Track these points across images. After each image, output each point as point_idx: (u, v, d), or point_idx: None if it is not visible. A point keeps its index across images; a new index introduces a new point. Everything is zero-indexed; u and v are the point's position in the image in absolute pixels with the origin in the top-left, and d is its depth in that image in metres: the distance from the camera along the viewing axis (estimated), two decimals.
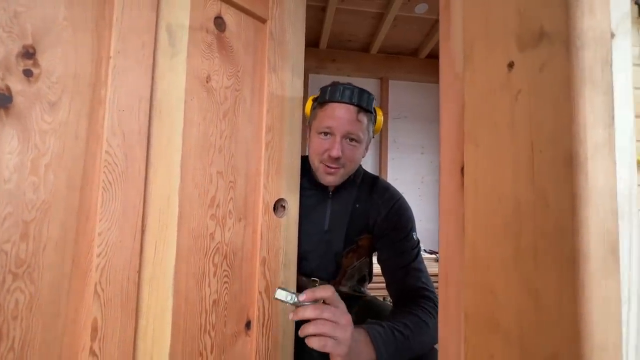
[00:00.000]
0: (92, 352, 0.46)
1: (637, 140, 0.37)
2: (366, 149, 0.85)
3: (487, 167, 0.33)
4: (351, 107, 0.77)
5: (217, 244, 0.61)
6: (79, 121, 0.47)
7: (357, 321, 0.83)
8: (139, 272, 0.51)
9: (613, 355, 0.28)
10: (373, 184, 0.90)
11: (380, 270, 0.86)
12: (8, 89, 0.42)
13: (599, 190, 0.29)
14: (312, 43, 2.51)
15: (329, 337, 0.53)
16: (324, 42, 2.51)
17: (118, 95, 0.49)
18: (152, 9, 0.53)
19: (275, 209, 0.72)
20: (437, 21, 2.23)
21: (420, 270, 0.79)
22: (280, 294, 0.55)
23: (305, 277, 0.88)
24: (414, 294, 0.75)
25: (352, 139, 0.78)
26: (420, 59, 2.73)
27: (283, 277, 0.73)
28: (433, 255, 2.34)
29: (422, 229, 2.47)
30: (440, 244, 0.39)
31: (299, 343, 0.57)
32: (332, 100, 0.78)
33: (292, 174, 0.77)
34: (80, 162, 0.46)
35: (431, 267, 1.24)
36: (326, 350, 0.53)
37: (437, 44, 2.39)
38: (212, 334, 0.60)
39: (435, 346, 0.69)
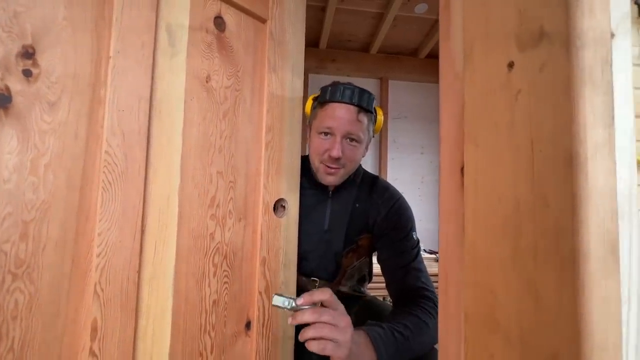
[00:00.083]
0: (92, 352, 0.46)
1: (637, 140, 0.37)
2: (366, 148, 0.85)
3: (487, 167, 0.33)
4: (351, 107, 0.77)
5: (217, 244, 0.61)
6: (79, 121, 0.46)
7: (357, 321, 0.83)
8: (139, 272, 0.51)
9: (613, 355, 0.28)
10: (373, 183, 0.90)
11: (380, 270, 0.86)
12: (7, 89, 0.42)
13: (599, 190, 0.29)
14: (312, 43, 2.51)
15: (329, 339, 0.53)
16: (323, 42, 2.51)
17: (118, 95, 0.49)
18: (151, 8, 0.53)
19: (275, 209, 0.72)
20: (437, 21, 2.23)
21: (420, 270, 0.79)
22: (277, 300, 0.55)
23: (305, 277, 0.88)
24: (413, 294, 0.75)
25: (352, 139, 0.78)
26: (420, 59, 2.73)
27: (283, 277, 0.73)
28: (433, 255, 2.34)
29: (422, 229, 2.46)
30: (440, 244, 0.39)
31: (300, 345, 0.57)
32: (332, 100, 0.78)
33: (292, 174, 0.77)
34: (80, 162, 0.46)
35: (431, 267, 1.24)
36: (326, 353, 0.53)
37: (437, 44, 2.39)
38: (212, 334, 0.60)
39: (436, 346, 0.69)
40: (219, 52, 0.63)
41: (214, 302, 0.60)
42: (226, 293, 0.63)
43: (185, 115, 0.57)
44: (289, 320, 0.55)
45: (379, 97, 2.69)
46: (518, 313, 0.30)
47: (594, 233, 0.28)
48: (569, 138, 0.29)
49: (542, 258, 0.30)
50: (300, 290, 0.80)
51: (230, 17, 0.65)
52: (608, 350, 0.28)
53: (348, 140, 0.78)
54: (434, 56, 2.67)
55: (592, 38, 0.30)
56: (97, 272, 0.47)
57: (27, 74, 0.43)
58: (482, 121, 0.34)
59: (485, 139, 0.34)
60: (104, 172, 0.48)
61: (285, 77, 0.75)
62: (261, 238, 0.69)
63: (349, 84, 0.80)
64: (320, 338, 0.53)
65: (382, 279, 0.84)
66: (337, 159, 0.77)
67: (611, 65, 0.30)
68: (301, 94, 0.79)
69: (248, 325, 0.66)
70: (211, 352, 0.60)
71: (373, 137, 0.87)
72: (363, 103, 0.77)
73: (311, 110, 0.85)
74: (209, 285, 0.60)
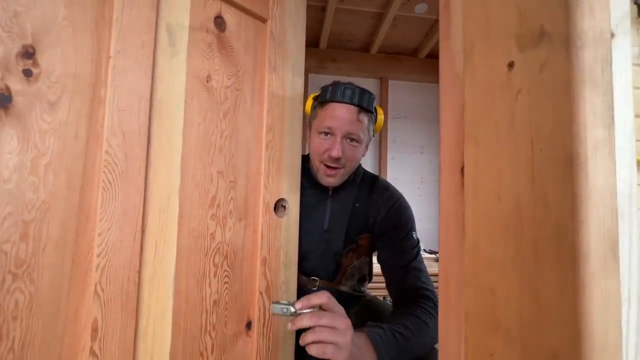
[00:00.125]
0: (93, 353, 0.46)
1: (637, 140, 0.37)
2: (366, 148, 0.85)
3: (487, 167, 0.33)
4: (352, 107, 0.77)
5: (217, 244, 0.61)
6: (79, 121, 0.47)
7: (358, 321, 0.83)
8: (139, 272, 0.51)
9: (613, 354, 0.28)
10: (373, 183, 0.90)
11: (380, 270, 0.86)
12: (8, 88, 0.42)
13: (599, 190, 0.29)
14: (312, 43, 2.51)
15: (329, 343, 0.53)
16: (323, 42, 2.51)
17: (118, 95, 0.49)
18: (151, 8, 0.53)
19: (275, 208, 0.72)
20: (436, 21, 2.23)
21: (420, 269, 0.79)
22: (276, 309, 0.55)
23: (305, 276, 0.88)
24: (413, 294, 0.75)
25: (352, 139, 0.78)
26: (420, 58, 2.73)
27: (284, 277, 0.73)
28: (433, 255, 2.34)
29: (422, 229, 2.46)
30: (440, 244, 0.39)
31: (300, 347, 0.57)
32: (333, 100, 0.78)
33: (293, 174, 0.77)
34: (80, 162, 0.46)
35: (431, 267, 1.24)
36: (326, 356, 0.53)
37: (436, 44, 2.39)
38: (213, 334, 0.60)
39: (436, 346, 0.69)
40: (220, 52, 0.63)
41: (215, 302, 0.61)
42: (227, 293, 0.63)
43: (186, 115, 0.57)
44: (289, 325, 0.55)
45: (378, 97, 2.69)
46: (518, 313, 0.30)
47: (594, 232, 0.28)
48: (569, 138, 0.29)
49: (542, 257, 0.30)
50: (300, 290, 0.80)
51: (231, 16, 0.65)
52: (608, 349, 0.28)
53: (348, 140, 0.78)
54: (433, 56, 2.67)
55: (592, 38, 0.30)
56: (98, 272, 0.47)
57: (27, 73, 0.43)
58: (482, 121, 0.34)
59: (486, 139, 0.34)
60: (104, 172, 0.48)
61: (285, 76, 0.75)
62: (262, 238, 0.69)
63: (350, 83, 0.80)
64: (320, 342, 0.53)
65: (382, 278, 0.84)
66: (337, 159, 0.77)
67: (611, 65, 0.30)
68: (302, 93, 0.79)
69: (249, 325, 0.66)
70: (212, 352, 0.60)
71: (373, 136, 0.87)
72: (363, 103, 0.77)
73: (311, 109, 0.85)
74: (210, 285, 0.60)
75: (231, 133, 0.65)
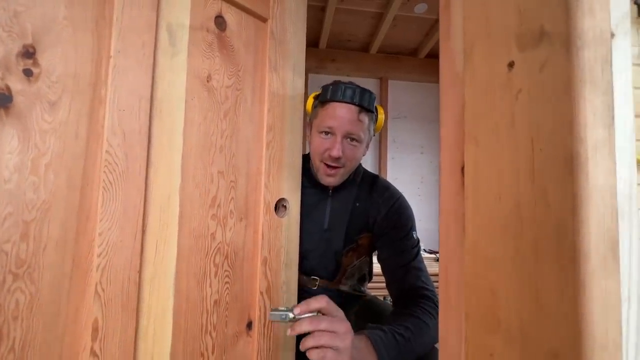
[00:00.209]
0: (93, 353, 0.46)
1: (637, 140, 0.37)
2: (367, 147, 0.85)
3: (487, 167, 0.33)
4: (352, 106, 0.77)
5: (218, 243, 0.61)
6: (79, 121, 0.47)
7: (358, 321, 0.83)
8: (140, 272, 0.51)
9: (613, 353, 0.28)
10: (373, 182, 0.90)
11: (380, 270, 0.86)
12: (8, 88, 0.42)
13: (599, 190, 0.29)
14: (311, 43, 2.52)
15: (328, 347, 0.53)
16: (323, 42, 2.51)
17: (118, 95, 0.49)
18: (152, 8, 0.53)
19: (276, 208, 0.72)
20: (436, 21, 2.23)
21: (420, 269, 0.79)
22: (274, 316, 0.55)
23: (306, 275, 0.88)
24: (413, 294, 0.75)
25: (352, 139, 0.78)
26: (420, 58, 2.73)
27: (284, 277, 0.73)
28: (433, 255, 2.34)
29: (422, 228, 2.46)
30: (440, 244, 0.39)
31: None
32: (333, 99, 0.78)
33: (293, 174, 0.77)
34: (81, 161, 0.46)
35: (431, 267, 1.24)
36: None
37: (436, 44, 2.39)
38: (214, 334, 0.60)
39: (436, 346, 0.69)
40: (220, 52, 0.63)
41: (215, 302, 0.61)
42: (227, 293, 0.63)
43: (186, 114, 0.57)
44: (288, 331, 0.55)
45: (378, 97, 2.69)
46: (518, 312, 0.30)
47: (594, 232, 0.28)
48: (569, 138, 0.29)
49: (542, 257, 0.30)
50: (301, 289, 0.81)
51: (231, 16, 0.65)
52: (608, 349, 0.28)
53: (348, 139, 0.78)
54: (433, 56, 2.67)
55: (592, 38, 0.30)
56: (98, 272, 0.47)
57: (27, 73, 0.43)
58: (482, 121, 0.34)
59: (486, 139, 0.34)
60: (104, 171, 0.48)
61: (286, 76, 0.75)
62: (262, 238, 0.69)
63: (351, 83, 0.80)
64: (320, 346, 0.53)
65: (382, 278, 0.84)
66: (338, 159, 0.77)
67: (611, 65, 0.30)
68: (302, 92, 0.79)
69: (249, 325, 0.66)
70: (212, 352, 0.60)
71: (374, 135, 0.87)
72: (364, 103, 0.77)
73: (312, 108, 0.85)
74: (210, 285, 0.60)
75: (232, 133, 0.65)
